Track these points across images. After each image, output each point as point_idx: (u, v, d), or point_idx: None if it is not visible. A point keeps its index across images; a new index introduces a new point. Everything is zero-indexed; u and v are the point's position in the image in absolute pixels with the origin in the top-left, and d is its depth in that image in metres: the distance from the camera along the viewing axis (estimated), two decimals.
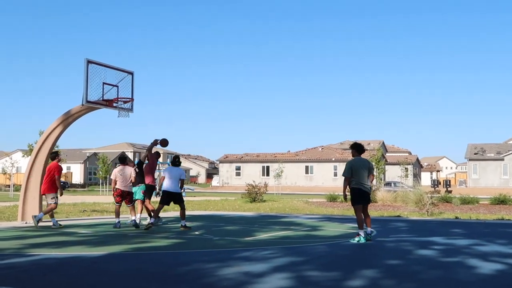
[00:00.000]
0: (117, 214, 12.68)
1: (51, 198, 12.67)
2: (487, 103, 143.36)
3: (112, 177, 12.70)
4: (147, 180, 12.96)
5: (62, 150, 36.15)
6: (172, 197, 12.01)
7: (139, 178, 13.04)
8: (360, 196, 9.67)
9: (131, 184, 12.66)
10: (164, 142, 13.01)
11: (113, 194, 12.73)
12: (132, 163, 13.87)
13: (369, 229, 10.00)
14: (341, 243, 9.87)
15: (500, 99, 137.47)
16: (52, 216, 12.84)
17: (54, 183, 12.67)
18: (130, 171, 12.66)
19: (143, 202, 12.86)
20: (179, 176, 12.11)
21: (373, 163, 40.67)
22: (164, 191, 12.04)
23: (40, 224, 13.42)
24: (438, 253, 8.44)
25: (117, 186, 12.53)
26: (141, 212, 12.91)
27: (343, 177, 9.93)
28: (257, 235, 11.05)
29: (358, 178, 9.60)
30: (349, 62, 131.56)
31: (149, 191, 13.09)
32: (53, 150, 13.90)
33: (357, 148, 9.85)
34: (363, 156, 10.22)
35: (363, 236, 9.68)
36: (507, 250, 8.88)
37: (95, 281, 6.02)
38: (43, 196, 12.98)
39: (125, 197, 12.57)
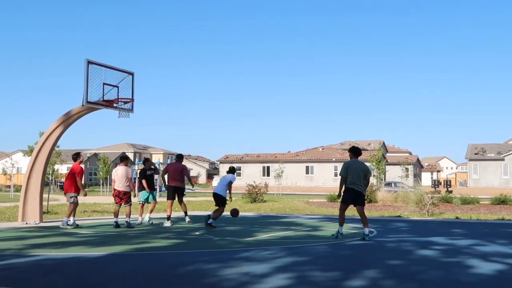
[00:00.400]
0: (115, 214, 12.75)
1: (70, 197, 12.73)
2: (488, 103, 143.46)
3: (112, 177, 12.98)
4: (174, 183, 13.39)
5: (63, 150, 36.08)
6: (217, 197, 12.82)
7: (149, 185, 13.77)
8: (351, 195, 9.99)
9: (127, 183, 12.67)
10: (235, 213, 13.06)
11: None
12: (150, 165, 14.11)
13: (366, 229, 10.18)
14: (341, 243, 9.87)
15: (500, 99, 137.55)
16: (68, 216, 12.78)
17: (73, 182, 12.72)
18: (126, 171, 12.70)
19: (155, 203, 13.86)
20: (225, 181, 12.83)
21: (374, 164, 40.76)
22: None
23: (42, 224, 13.45)
24: (439, 253, 8.45)
25: (114, 187, 12.66)
26: (150, 212, 13.76)
27: (340, 177, 10.30)
28: (258, 236, 11.05)
29: (352, 178, 9.93)
30: (349, 62, 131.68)
31: (175, 191, 13.45)
32: (76, 152, 13.98)
33: (354, 151, 10.24)
34: (361, 159, 10.40)
35: (340, 233, 10.20)
36: (508, 250, 8.88)
37: (96, 281, 6.03)
38: (65, 194, 13.05)
39: (121, 197, 12.64)
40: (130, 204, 12.79)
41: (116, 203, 12.73)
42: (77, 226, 12.57)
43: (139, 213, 13.94)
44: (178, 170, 13.51)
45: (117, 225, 12.42)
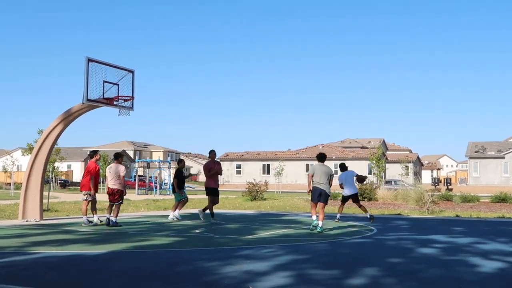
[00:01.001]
0: (108, 211, 12.50)
1: (83, 194, 12.68)
2: (488, 101, 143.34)
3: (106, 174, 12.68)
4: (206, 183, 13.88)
5: (63, 148, 36.05)
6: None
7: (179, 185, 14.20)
8: (316, 193, 11.39)
9: (119, 182, 12.38)
10: (362, 179, 14.80)
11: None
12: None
13: (320, 222, 11.32)
14: (341, 241, 9.88)
15: (500, 98, 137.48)
16: (94, 213, 12.74)
17: (88, 181, 12.60)
18: (119, 169, 12.41)
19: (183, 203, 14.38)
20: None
21: (374, 162, 40.80)
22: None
23: (42, 222, 13.45)
24: (439, 251, 8.45)
25: (108, 185, 12.47)
26: (179, 209, 14.29)
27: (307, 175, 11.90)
28: (258, 233, 11.05)
29: (317, 179, 11.41)
30: (349, 60, 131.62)
31: (206, 190, 13.88)
32: (92, 149, 13.73)
33: (318, 158, 11.83)
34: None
35: (320, 225, 11.30)
36: (508, 248, 8.88)
37: (96, 279, 6.02)
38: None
39: (114, 195, 12.36)
40: (121, 203, 12.52)
41: (109, 200, 12.46)
42: (89, 223, 12.52)
43: (172, 209, 14.45)
44: (206, 169, 13.85)
45: (108, 222, 12.25)
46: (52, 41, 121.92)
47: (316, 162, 11.93)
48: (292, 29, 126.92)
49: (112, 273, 6.43)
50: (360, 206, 14.27)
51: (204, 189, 14.20)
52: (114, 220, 12.31)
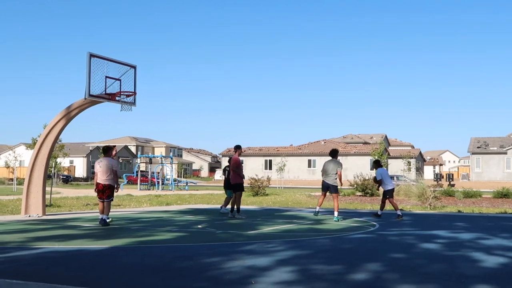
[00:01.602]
0: (101, 211, 11.52)
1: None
2: (490, 96, 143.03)
3: (95, 170, 11.74)
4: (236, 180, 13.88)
5: (65, 143, 36.13)
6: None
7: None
8: (324, 186, 13.61)
9: (111, 177, 11.45)
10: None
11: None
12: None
13: (335, 212, 13.19)
14: (344, 236, 9.88)
15: (503, 93, 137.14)
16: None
17: None
18: (112, 163, 11.54)
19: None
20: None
21: (376, 157, 40.76)
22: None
23: (44, 217, 13.48)
24: (441, 247, 8.44)
25: (97, 180, 11.48)
26: (225, 205, 15.00)
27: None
28: (260, 229, 11.06)
29: (324, 176, 13.53)
30: (351, 56, 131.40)
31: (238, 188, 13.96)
32: (106, 145, 12.81)
33: (330, 154, 13.98)
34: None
35: (317, 211, 13.99)
36: (510, 244, 8.88)
37: (98, 274, 6.03)
38: None
39: (104, 191, 11.41)
40: (112, 200, 11.56)
41: (99, 198, 11.49)
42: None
43: (223, 205, 15.14)
44: (231, 164, 13.96)
45: (104, 223, 11.37)
46: (54, 39, 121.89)
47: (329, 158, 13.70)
48: (294, 26, 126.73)
49: (115, 268, 6.44)
50: (392, 203, 14.20)
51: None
52: (105, 217, 11.35)
